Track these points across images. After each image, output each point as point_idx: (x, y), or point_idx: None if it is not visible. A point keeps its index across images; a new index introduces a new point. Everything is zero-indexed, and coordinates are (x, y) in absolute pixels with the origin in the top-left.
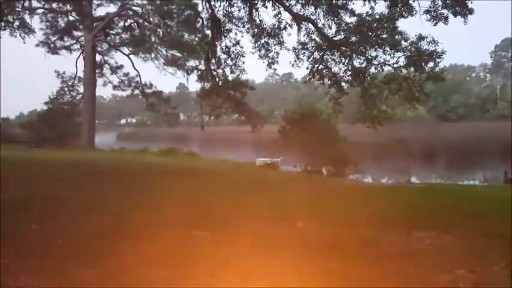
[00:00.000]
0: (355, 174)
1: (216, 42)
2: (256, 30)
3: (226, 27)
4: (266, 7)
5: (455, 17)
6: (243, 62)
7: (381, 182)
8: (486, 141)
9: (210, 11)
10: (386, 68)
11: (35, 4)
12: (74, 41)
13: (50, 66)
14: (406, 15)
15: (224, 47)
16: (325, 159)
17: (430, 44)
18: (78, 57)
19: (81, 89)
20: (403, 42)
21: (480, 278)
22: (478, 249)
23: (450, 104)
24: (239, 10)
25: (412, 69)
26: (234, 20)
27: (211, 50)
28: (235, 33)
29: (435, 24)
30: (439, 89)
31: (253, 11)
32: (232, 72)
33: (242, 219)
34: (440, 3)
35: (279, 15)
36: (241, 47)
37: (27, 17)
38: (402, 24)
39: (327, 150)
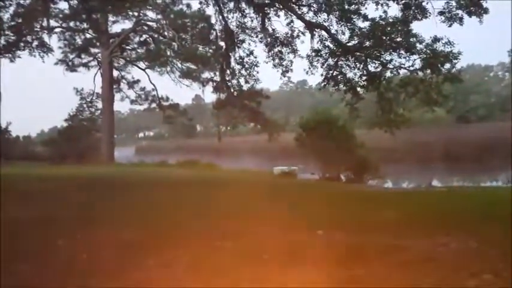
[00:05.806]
0: (374, 179)
1: (230, 53)
2: (269, 39)
3: (239, 38)
4: (278, 16)
5: (470, 17)
6: (257, 72)
7: (401, 186)
8: (508, 141)
9: (223, 22)
10: (402, 71)
11: (52, 23)
12: (92, 58)
13: (69, 83)
14: (420, 18)
15: (238, 58)
16: (343, 165)
17: (446, 46)
18: (95, 74)
19: (99, 105)
20: (418, 44)
21: (507, 283)
22: (504, 253)
23: (470, 104)
24: (252, 20)
25: (428, 71)
26: (247, 31)
27: (226, 61)
28: (249, 44)
29: (450, 25)
30: (458, 90)
31: (266, 20)
32: (246, 82)
33: (263, 228)
34: (454, 4)
35: (292, 24)
36: (255, 57)
37: (45, 37)
38: (416, 26)
39: (345, 157)
